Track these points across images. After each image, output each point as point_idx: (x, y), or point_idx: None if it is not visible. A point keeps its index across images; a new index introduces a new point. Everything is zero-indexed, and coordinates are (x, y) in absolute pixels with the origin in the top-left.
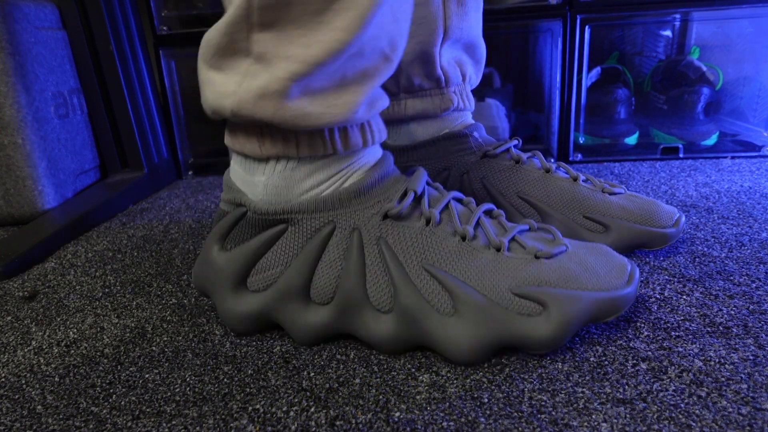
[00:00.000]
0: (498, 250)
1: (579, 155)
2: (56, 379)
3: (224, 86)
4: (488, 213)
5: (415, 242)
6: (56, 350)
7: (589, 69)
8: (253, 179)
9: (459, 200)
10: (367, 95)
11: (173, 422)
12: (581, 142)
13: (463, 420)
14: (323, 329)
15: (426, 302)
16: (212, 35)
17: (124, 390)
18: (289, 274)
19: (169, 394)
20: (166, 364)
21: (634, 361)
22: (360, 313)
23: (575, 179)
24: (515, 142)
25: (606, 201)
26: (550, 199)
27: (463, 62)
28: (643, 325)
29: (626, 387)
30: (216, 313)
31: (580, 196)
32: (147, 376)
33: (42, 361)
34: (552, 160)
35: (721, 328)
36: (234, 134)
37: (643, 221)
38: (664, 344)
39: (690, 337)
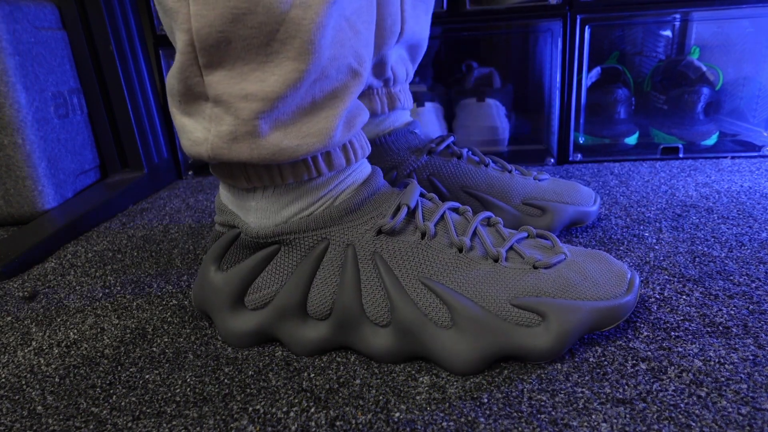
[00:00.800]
0: (496, 260)
1: (579, 155)
2: (56, 379)
3: (195, 133)
4: (485, 221)
5: (411, 256)
6: (56, 351)
7: (589, 69)
8: (244, 204)
9: (455, 210)
10: (341, 117)
11: (173, 423)
12: (581, 142)
13: (462, 420)
14: (322, 343)
15: (423, 315)
16: (173, 82)
17: (124, 391)
18: (285, 292)
19: (169, 394)
20: (167, 365)
21: (634, 361)
22: (358, 328)
23: (510, 171)
24: (452, 138)
25: (539, 186)
26: (492, 191)
27: (405, 60)
28: (642, 325)
29: (626, 387)
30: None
31: (518, 185)
32: (147, 376)
33: (42, 361)
34: (552, 161)
35: (720, 328)
36: (218, 169)
37: (573, 201)
38: (664, 344)
39: (690, 337)
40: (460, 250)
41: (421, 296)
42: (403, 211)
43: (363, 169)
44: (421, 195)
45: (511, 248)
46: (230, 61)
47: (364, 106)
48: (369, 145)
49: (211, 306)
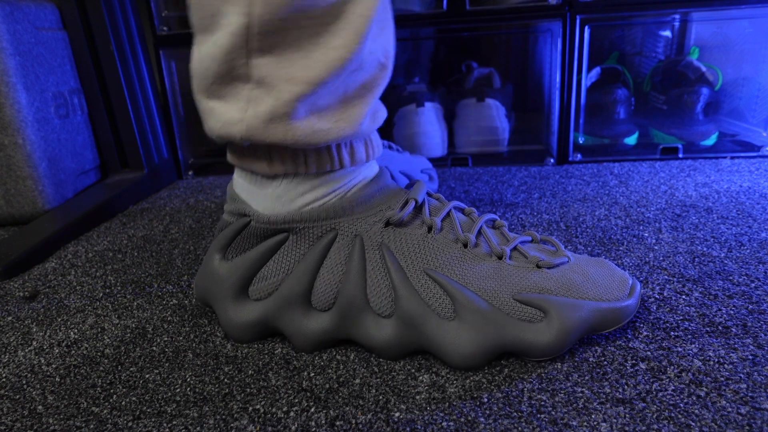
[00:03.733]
0: (500, 258)
1: (579, 155)
2: (57, 379)
3: (229, 114)
4: (490, 223)
5: (417, 248)
6: (57, 350)
7: (589, 69)
8: (260, 192)
9: (461, 210)
10: (370, 106)
11: (174, 422)
12: (581, 142)
13: (462, 420)
14: (324, 335)
15: (427, 306)
16: (208, 64)
17: (124, 390)
18: (291, 281)
19: (169, 394)
20: (167, 365)
21: (633, 361)
22: (361, 319)
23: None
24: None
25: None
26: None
27: None
28: (642, 325)
29: (625, 387)
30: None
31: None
32: (147, 376)
33: (43, 361)
34: (552, 161)
35: (720, 328)
36: (240, 155)
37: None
38: (663, 344)
39: (689, 336)
40: (465, 246)
41: (425, 287)
42: (411, 204)
43: (373, 166)
44: (428, 194)
45: (515, 248)
46: (283, 47)
47: (384, 106)
48: (381, 146)
49: (214, 296)
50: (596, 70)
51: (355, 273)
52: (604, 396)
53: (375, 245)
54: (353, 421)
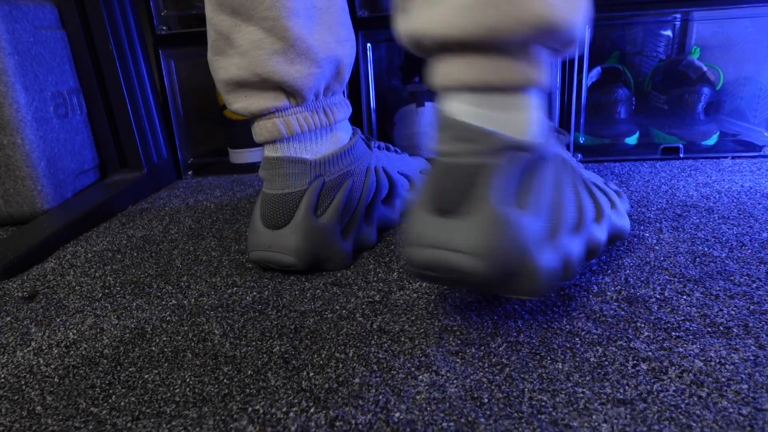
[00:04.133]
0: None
1: (579, 155)
2: (56, 379)
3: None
4: None
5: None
6: (56, 351)
7: (590, 69)
8: (512, 116)
9: None
10: None
11: (173, 423)
12: (581, 142)
13: (463, 420)
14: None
15: (602, 209)
16: None
17: (123, 390)
18: (571, 208)
19: (168, 394)
20: (166, 365)
21: (635, 362)
22: (579, 235)
23: None
24: None
25: None
26: None
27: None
28: (643, 325)
29: (626, 387)
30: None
31: None
32: (146, 376)
33: (41, 361)
34: None
35: (721, 329)
36: (485, 64)
37: None
38: (665, 344)
39: (690, 337)
40: None
41: (593, 194)
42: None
43: None
44: None
45: None
46: None
47: None
48: None
49: (527, 250)
50: (597, 70)
51: (571, 192)
52: (605, 396)
53: (561, 161)
54: (353, 422)
